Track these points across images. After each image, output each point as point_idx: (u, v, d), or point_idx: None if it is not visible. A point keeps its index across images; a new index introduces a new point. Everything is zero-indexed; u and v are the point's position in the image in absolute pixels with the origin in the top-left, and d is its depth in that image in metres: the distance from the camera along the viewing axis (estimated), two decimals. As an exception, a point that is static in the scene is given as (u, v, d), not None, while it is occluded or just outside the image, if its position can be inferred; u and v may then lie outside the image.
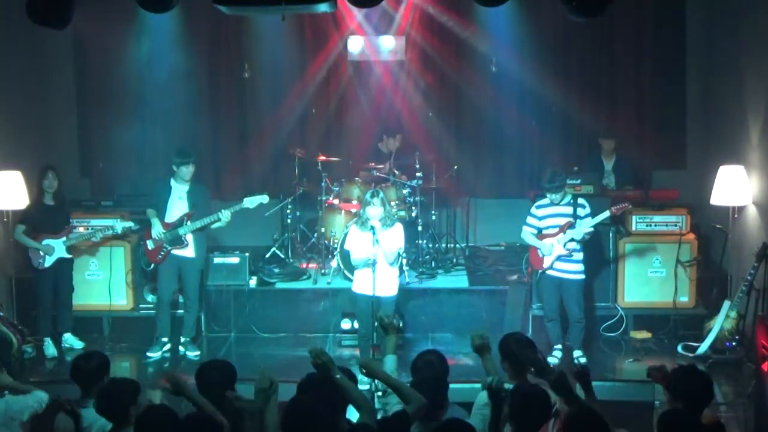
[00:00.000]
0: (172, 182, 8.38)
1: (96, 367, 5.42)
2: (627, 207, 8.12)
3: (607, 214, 7.97)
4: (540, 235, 8.03)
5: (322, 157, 9.90)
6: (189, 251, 8.37)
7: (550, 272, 8.01)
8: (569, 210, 7.91)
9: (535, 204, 8.12)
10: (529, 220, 8.10)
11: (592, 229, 7.91)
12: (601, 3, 6.74)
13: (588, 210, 7.93)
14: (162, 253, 8.34)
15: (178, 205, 8.35)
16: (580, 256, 7.97)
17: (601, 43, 10.38)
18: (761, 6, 8.27)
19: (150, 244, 8.37)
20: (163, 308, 8.52)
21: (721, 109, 9.53)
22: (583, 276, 8.04)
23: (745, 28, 8.73)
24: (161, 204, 8.36)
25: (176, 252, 8.35)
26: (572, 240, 7.87)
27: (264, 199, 8.47)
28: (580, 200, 7.99)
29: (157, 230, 8.28)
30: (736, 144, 8.82)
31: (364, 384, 5.72)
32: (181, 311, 8.69)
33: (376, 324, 7.30)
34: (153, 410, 4.69)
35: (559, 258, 7.93)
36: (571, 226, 7.87)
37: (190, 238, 8.33)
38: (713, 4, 9.84)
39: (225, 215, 8.27)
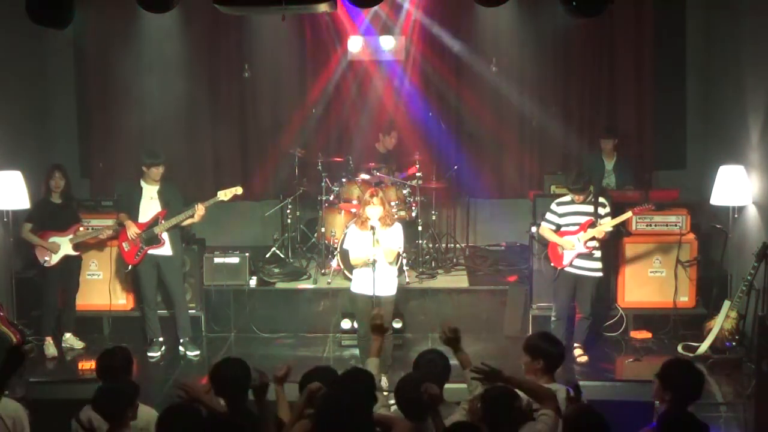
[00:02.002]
0: (142, 183, 8.36)
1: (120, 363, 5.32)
2: (651, 208, 8.13)
3: (629, 214, 8.01)
4: (558, 232, 8.02)
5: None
6: (166, 249, 8.35)
7: (569, 269, 8.01)
8: (590, 208, 7.91)
9: (556, 201, 8.11)
10: (549, 216, 8.08)
11: (611, 228, 7.95)
12: (601, 3, 6.72)
13: (608, 209, 7.95)
14: (139, 253, 8.32)
15: (150, 205, 8.33)
16: (598, 253, 7.99)
17: (601, 43, 10.38)
18: (761, 6, 8.27)
19: (126, 246, 8.34)
20: (149, 309, 8.52)
21: (721, 109, 9.52)
22: (600, 273, 8.06)
23: (745, 28, 8.73)
24: (133, 206, 8.35)
25: (154, 251, 8.33)
26: (594, 238, 7.88)
27: (238, 190, 8.40)
28: (601, 199, 7.99)
29: (132, 230, 8.26)
30: (736, 144, 8.81)
31: None
32: (166, 311, 8.71)
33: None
34: (176, 410, 4.47)
35: (579, 256, 7.93)
36: (593, 225, 7.87)
37: (165, 236, 8.32)
38: (713, 4, 9.84)
39: (199, 210, 8.24)
